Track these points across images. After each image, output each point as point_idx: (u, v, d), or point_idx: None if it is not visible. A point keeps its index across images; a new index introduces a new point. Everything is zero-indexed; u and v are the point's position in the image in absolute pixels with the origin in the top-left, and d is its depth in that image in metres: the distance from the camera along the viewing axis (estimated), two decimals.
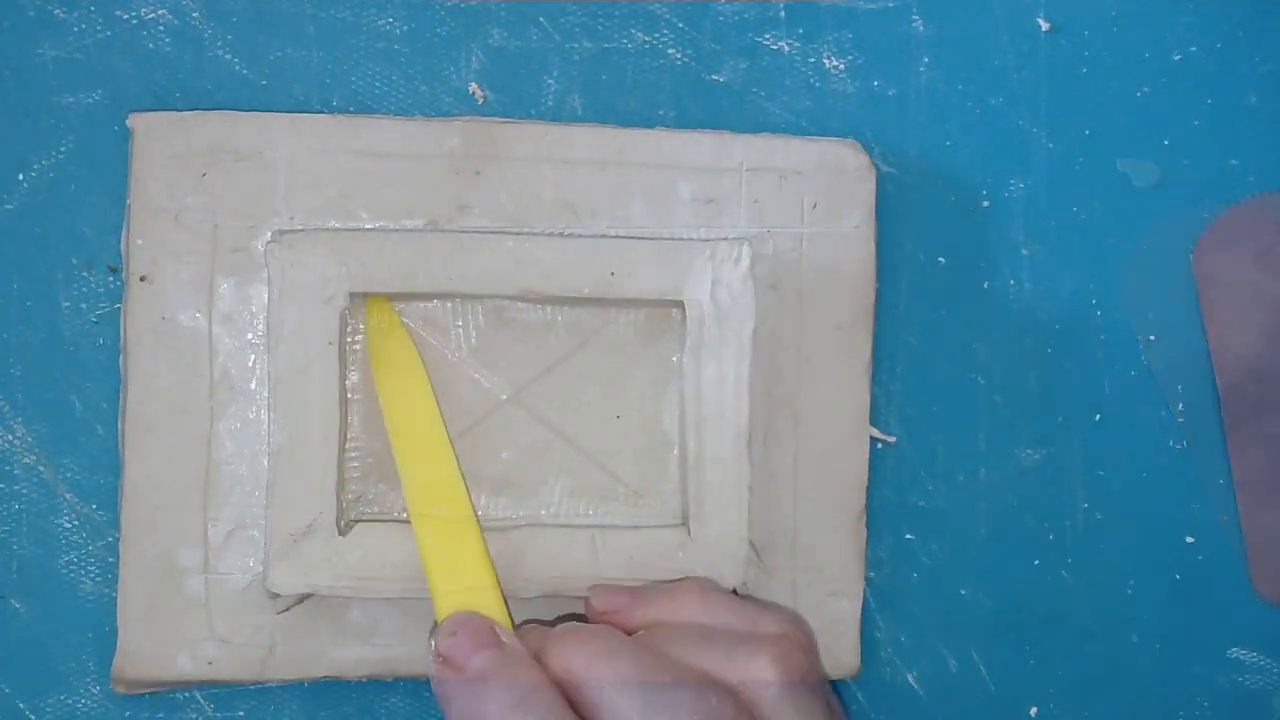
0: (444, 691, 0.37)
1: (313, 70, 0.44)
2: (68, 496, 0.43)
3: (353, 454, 0.43)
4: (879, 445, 0.46)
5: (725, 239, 0.43)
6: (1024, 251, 0.46)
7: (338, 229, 0.42)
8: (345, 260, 0.41)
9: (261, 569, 0.42)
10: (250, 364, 0.42)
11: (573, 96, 0.45)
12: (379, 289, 0.41)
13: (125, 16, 0.43)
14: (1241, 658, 0.47)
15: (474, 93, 0.45)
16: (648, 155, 0.44)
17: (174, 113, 0.42)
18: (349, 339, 0.43)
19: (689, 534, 0.42)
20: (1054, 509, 0.46)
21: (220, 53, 0.44)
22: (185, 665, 0.42)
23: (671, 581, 0.41)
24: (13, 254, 0.43)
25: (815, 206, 0.44)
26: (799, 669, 0.36)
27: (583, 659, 0.36)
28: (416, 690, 0.44)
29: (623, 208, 0.43)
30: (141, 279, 0.42)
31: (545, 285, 0.42)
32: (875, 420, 0.45)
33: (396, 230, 0.42)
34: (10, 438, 0.43)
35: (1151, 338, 0.47)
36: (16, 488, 0.43)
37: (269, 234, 0.42)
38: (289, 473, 0.41)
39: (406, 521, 0.42)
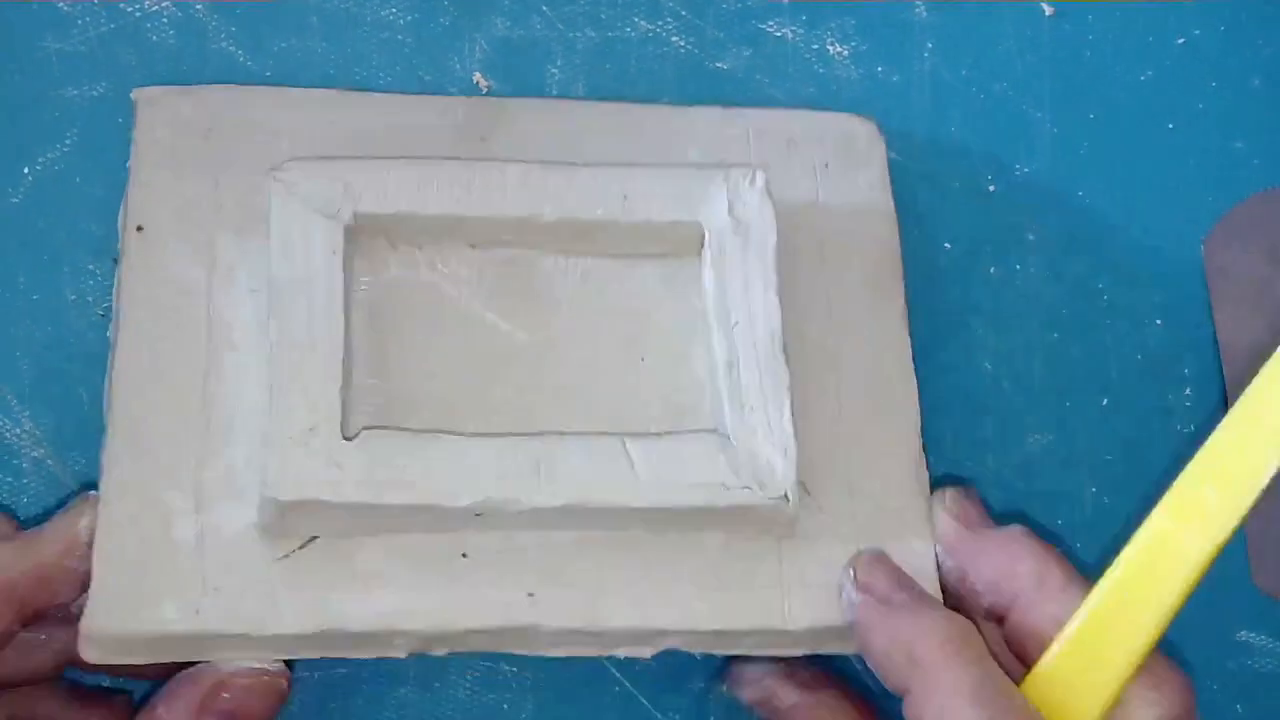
0: (869, 619, 0.37)
1: (316, 61, 0.44)
2: (76, 489, 0.43)
3: (367, 406, 0.40)
4: None
5: (738, 165, 0.41)
6: (1029, 236, 0.46)
7: (344, 157, 0.40)
8: (350, 179, 0.39)
9: (258, 515, 0.38)
10: (249, 313, 0.40)
11: (576, 85, 0.45)
12: (386, 209, 0.39)
13: (129, 9, 0.44)
14: (1250, 640, 0.47)
15: (478, 82, 0.45)
16: (657, 125, 0.43)
17: (179, 87, 0.42)
18: (357, 279, 0.40)
19: (730, 439, 0.39)
20: (1062, 494, 0.46)
21: (224, 44, 0.44)
22: (169, 614, 0.37)
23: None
24: (18, 247, 0.43)
25: (827, 166, 0.43)
26: None
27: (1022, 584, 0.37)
28: (427, 680, 0.44)
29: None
30: (139, 229, 0.41)
31: (556, 208, 0.40)
32: None
33: (404, 157, 0.41)
34: (18, 430, 0.43)
35: (1158, 322, 0.47)
36: (24, 481, 0.43)
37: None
38: (290, 378, 0.37)
39: (416, 431, 0.38)
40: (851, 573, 0.38)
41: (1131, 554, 0.37)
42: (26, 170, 0.43)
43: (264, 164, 0.40)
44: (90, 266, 0.43)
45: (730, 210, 0.40)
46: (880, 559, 0.39)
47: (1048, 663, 0.36)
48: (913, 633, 0.36)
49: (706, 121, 0.43)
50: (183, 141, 0.41)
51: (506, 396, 0.40)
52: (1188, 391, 0.47)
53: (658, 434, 0.39)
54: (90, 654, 0.37)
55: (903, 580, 0.38)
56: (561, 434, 0.38)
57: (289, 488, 0.36)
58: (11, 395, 0.43)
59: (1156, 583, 0.36)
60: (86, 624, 0.36)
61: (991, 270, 0.46)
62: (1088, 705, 0.36)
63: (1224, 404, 0.47)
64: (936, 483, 0.44)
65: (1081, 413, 0.46)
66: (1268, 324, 0.47)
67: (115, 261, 0.43)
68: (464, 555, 0.38)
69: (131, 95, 0.42)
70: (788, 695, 0.40)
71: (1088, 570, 0.46)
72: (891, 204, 0.44)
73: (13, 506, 0.43)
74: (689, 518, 0.38)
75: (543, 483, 0.37)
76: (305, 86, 0.44)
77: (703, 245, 0.41)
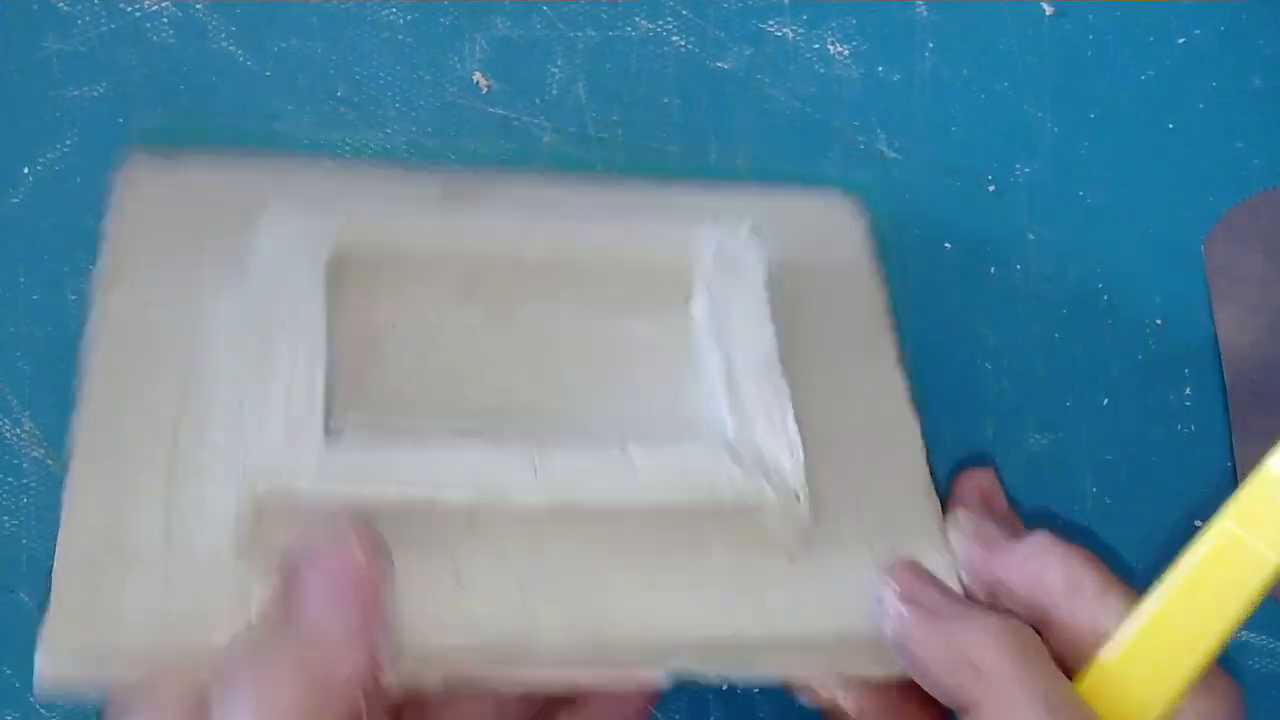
0: (920, 631, 0.35)
1: (316, 61, 0.44)
2: None
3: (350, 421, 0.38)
4: None
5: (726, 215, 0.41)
6: (1030, 236, 0.46)
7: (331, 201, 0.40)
8: (337, 216, 0.39)
9: (234, 524, 0.35)
10: (227, 346, 0.39)
11: (577, 85, 0.45)
12: (371, 241, 0.39)
13: (129, 9, 0.44)
14: (1250, 640, 0.47)
15: (478, 82, 0.45)
16: (635, 202, 0.43)
17: (162, 159, 0.42)
18: (344, 319, 0.39)
19: (734, 444, 0.37)
20: (1062, 494, 0.46)
21: (224, 44, 0.44)
22: (134, 624, 0.34)
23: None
24: (18, 247, 0.43)
25: (807, 235, 0.43)
26: None
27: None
28: None
29: None
30: (116, 269, 0.40)
31: (544, 248, 0.40)
32: None
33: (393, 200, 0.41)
34: (18, 431, 0.43)
35: (1159, 322, 0.47)
36: (25, 481, 0.43)
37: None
38: (271, 379, 0.36)
39: (401, 431, 0.37)
40: (891, 584, 0.36)
41: (1197, 559, 0.35)
42: (26, 170, 0.43)
43: (251, 216, 0.39)
44: (90, 267, 0.43)
45: (720, 251, 0.40)
46: (919, 569, 0.37)
47: (1100, 668, 0.35)
48: (974, 641, 0.34)
49: (685, 196, 0.43)
50: (166, 202, 0.41)
51: (495, 425, 0.38)
52: (1188, 391, 0.47)
53: (659, 436, 0.38)
54: (48, 668, 0.33)
55: (947, 589, 0.37)
56: (557, 435, 0.37)
57: (266, 480, 0.34)
58: (11, 395, 0.43)
59: (1224, 589, 0.34)
60: (45, 636, 0.33)
61: (991, 270, 0.46)
62: (1144, 711, 0.34)
63: (1224, 404, 0.47)
64: (940, 482, 0.44)
65: (1081, 413, 0.46)
66: (1268, 324, 0.47)
67: None
68: (454, 570, 0.36)
69: (113, 175, 0.41)
70: (853, 697, 0.37)
71: None
72: (876, 270, 0.44)
73: (13, 507, 0.43)
74: (694, 525, 0.37)
75: (537, 480, 0.35)
76: (305, 86, 0.44)
77: (691, 288, 0.41)
